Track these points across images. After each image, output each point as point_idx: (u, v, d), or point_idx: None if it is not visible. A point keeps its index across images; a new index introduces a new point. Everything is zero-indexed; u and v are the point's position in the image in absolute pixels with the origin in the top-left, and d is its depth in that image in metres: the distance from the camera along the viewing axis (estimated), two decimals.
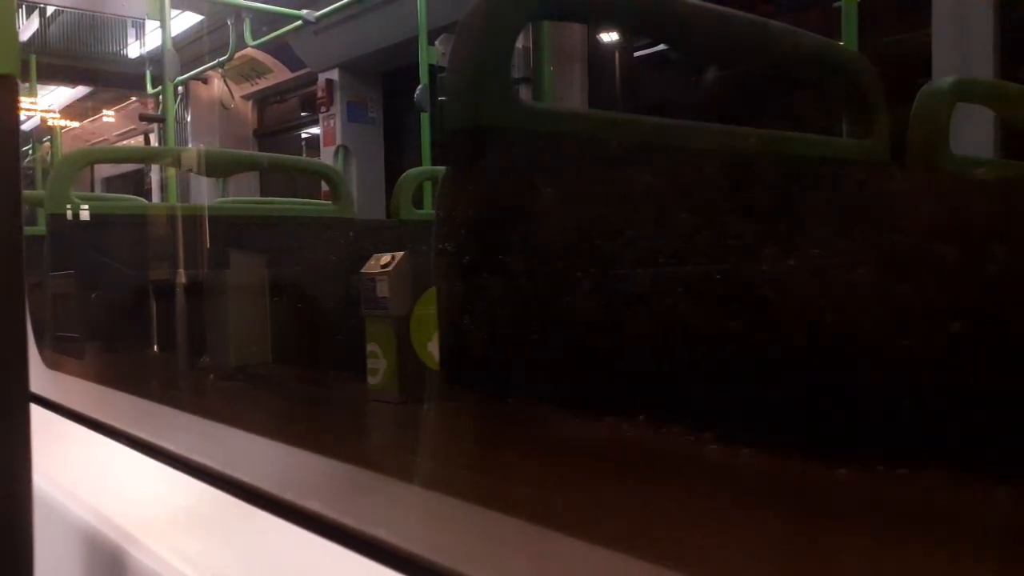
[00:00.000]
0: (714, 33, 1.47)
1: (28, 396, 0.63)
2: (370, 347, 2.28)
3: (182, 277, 2.91)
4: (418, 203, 3.97)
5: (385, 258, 2.31)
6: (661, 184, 1.37)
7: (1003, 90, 2.28)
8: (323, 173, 4.86)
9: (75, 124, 9.01)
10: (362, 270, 2.37)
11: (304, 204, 4.74)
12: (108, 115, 10.21)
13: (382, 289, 2.26)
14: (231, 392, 2.39)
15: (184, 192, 6.61)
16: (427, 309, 2.24)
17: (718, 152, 1.41)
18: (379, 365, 2.25)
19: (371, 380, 2.28)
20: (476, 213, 1.29)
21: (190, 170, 4.81)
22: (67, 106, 10.70)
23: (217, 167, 4.35)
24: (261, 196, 7.12)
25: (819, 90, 2.11)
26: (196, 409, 1.72)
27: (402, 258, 2.27)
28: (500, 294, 1.46)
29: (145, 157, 6.30)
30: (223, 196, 5.67)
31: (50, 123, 8.36)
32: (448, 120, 1.28)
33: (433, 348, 2.23)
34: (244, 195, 6.61)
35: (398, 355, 2.19)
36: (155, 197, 7.45)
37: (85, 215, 3.32)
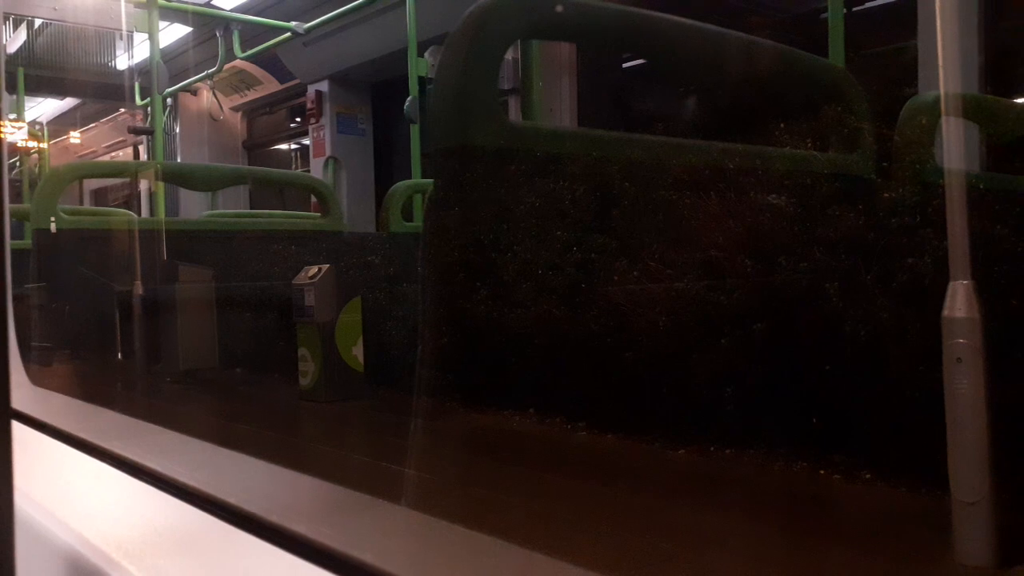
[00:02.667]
0: (699, 50, 1.49)
1: (10, 413, 0.61)
2: (300, 351, 2.36)
3: (139, 289, 2.95)
4: (408, 216, 3.96)
5: (312, 270, 2.41)
6: (642, 200, 1.39)
7: (986, 104, 2.31)
8: (312, 187, 4.86)
9: (28, 146, 8.92)
10: (293, 281, 2.46)
11: (292, 217, 4.72)
12: (92, 128, 10.18)
13: (309, 298, 2.35)
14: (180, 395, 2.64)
15: (173, 204, 6.57)
16: (352, 316, 2.35)
17: (701, 168, 1.42)
18: (308, 368, 2.33)
19: (302, 382, 2.36)
20: (461, 228, 1.31)
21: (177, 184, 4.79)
22: (55, 117, 10.65)
23: (205, 181, 4.35)
24: (250, 208, 7.09)
25: (806, 104, 2.13)
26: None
27: (327, 270, 2.37)
28: (486, 304, 1.47)
29: (131, 171, 6.27)
30: (212, 208, 5.64)
31: (18, 144, 8.32)
32: (435, 139, 1.30)
33: (357, 352, 2.33)
34: (232, 207, 6.57)
35: (324, 359, 2.28)
36: (143, 210, 7.41)
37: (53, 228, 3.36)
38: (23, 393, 1.40)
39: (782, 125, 1.80)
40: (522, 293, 1.54)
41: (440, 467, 1.44)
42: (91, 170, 7.08)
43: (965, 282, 1.07)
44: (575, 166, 1.41)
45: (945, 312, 1.08)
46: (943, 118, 1.09)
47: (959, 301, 1.07)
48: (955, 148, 1.08)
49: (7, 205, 0.63)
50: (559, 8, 1.31)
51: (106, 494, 0.83)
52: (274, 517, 0.59)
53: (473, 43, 1.14)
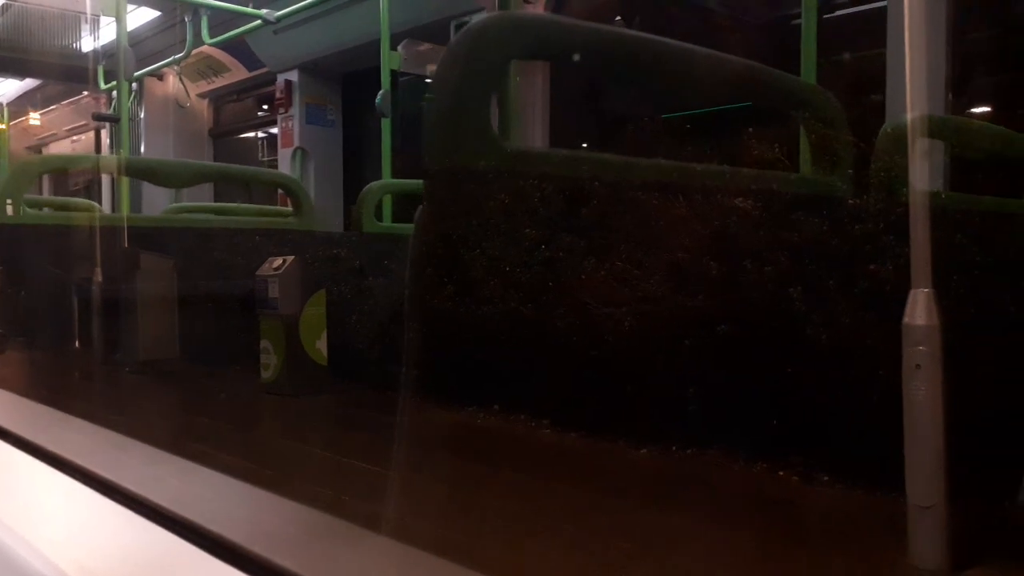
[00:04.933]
0: (682, 71, 1.51)
1: None
2: (263, 343, 2.32)
3: (98, 277, 2.87)
4: (378, 215, 3.91)
5: (277, 261, 2.36)
6: (624, 218, 1.40)
7: (958, 126, 2.40)
8: (284, 184, 4.78)
9: None
10: (256, 272, 2.41)
11: (263, 214, 4.63)
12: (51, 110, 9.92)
13: (273, 290, 2.31)
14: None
15: (135, 193, 6.43)
16: (316, 309, 2.31)
17: (678, 188, 1.44)
18: (271, 361, 2.28)
19: (264, 374, 2.32)
20: (449, 253, 1.31)
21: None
22: (15, 99, 10.36)
23: (172, 178, 4.21)
24: (215, 200, 6.95)
25: (785, 125, 2.17)
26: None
27: (292, 261, 2.33)
28: (469, 321, 1.49)
29: (96, 166, 6.15)
30: (176, 201, 5.51)
31: None
32: (428, 161, 1.31)
33: (321, 345, 2.29)
34: (197, 198, 6.45)
35: (287, 351, 2.24)
36: (104, 198, 7.25)
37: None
38: None
39: (762, 150, 1.84)
40: (495, 302, 1.56)
41: (400, 463, 1.43)
42: (60, 163, 6.92)
43: (926, 290, 1.08)
44: (569, 189, 1.42)
45: (905, 319, 1.09)
46: (908, 137, 1.12)
47: (919, 308, 1.09)
48: (919, 165, 1.11)
49: None
50: (556, 29, 1.31)
51: (61, 505, 0.78)
52: (257, 548, 0.56)
53: (469, 62, 1.14)
